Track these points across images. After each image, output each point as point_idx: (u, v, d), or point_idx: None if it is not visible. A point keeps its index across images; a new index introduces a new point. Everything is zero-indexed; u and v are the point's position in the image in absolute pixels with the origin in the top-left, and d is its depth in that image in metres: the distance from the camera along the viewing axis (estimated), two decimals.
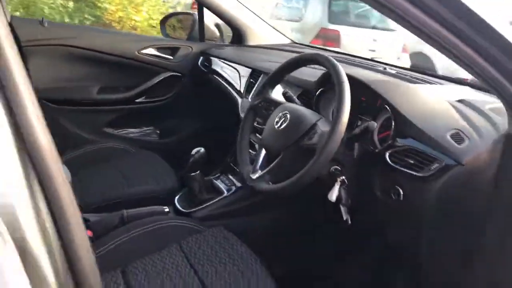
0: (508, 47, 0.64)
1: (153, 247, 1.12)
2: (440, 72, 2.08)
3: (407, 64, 4.74)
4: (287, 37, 2.24)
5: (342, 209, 1.17)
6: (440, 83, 1.39)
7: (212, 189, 1.65)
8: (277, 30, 2.22)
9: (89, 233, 1.22)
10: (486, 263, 0.84)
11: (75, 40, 1.95)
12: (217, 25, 2.29)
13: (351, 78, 1.06)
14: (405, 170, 1.02)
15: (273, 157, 1.14)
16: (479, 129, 1.01)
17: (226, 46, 2.20)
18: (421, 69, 1.61)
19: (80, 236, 0.49)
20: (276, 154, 1.12)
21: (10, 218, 0.43)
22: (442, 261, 0.96)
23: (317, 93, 1.30)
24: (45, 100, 1.91)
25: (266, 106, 1.30)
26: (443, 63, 2.64)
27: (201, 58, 2.13)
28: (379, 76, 1.36)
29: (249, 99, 1.66)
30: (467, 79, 1.38)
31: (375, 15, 5.64)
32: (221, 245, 1.15)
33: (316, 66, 1.32)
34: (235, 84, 1.81)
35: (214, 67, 2.04)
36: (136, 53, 2.05)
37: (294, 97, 1.29)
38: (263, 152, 1.22)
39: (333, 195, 1.09)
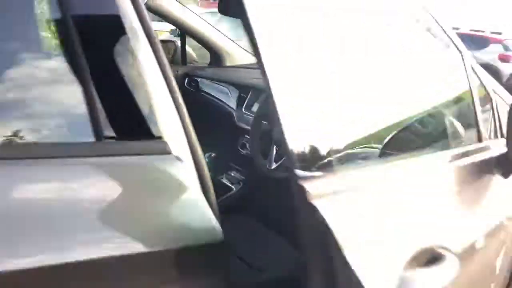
0: None
1: None
2: None
3: None
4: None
5: None
6: None
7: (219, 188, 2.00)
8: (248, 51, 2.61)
9: None
10: None
11: None
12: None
13: None
14: None
15: None
16: None
17: (208, 67, 2.55)
18: None
19: None
20: None
21: None
22: None
23: None
24: None
25: None
26: None
27: (187, 79, 2.46)
28: None
29: (243, 110, 2.02)
30: None
31: None
32: None
33: None
34: (226, 99, 2.17)
35: (201, 86, 2.38)
36: None
37: None
38: (275, 147, 1.59)
39: None
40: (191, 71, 2.49)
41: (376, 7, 1.19)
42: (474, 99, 1.34)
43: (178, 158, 0.80)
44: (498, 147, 1.34)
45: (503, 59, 11.75)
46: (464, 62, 1.34)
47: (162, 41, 3.22)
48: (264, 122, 1.67)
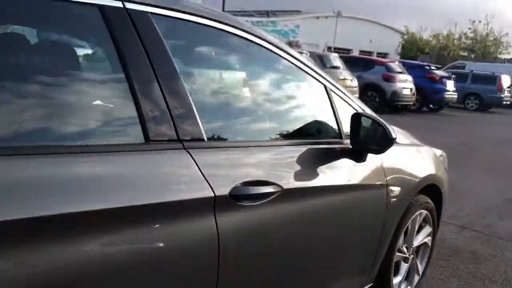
0: None
1: None
2: None
3: None
4: None
5: None
6: None
7: None
8: None
9: None
10: None
11: None
12: None
13: None
14: None
15: None
16: None
17: None
18: None
19: None
20: None
21: None
22: None
23: None
24: None
25: None
26: None
27: None
28: None
29: None
30: None
31: None
32: None
33: None
34: None
35: None
36: None
37: None
38: None
39: None
40: None
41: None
42: (335, 112, 1.97)
43: None
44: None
45: (386, 79, 13.32)
46: (326, 88, 1.96)
47: None
48: None
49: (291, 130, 1.87)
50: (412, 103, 14.16)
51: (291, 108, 1.94)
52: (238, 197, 1.39)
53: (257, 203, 1.45)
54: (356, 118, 1.88)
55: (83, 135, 1.19)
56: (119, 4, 1.29)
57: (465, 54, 41.80)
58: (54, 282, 1.00)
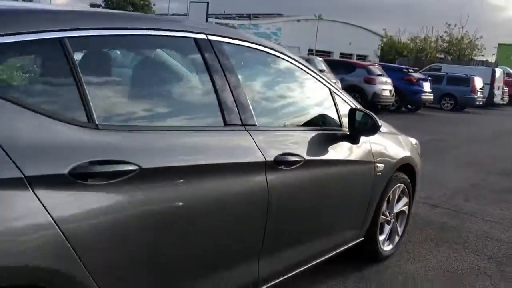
0: None
1: None
2: None
3: None
4: None
5: None
6: None
7: None
8: None
9: None
10: None
11: None
12: None
13: None
14: None
15: None
16: None
17: None
18: None
19: None
20: None
21: None
22: None
23: None
24: None
25: None
26: None
27: None
28: None
29: None
30: None
31: None
32: None
33: None
34: None
35: None
36: None
37: None
38: None
39: None
40: None
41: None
42: (337, 108, 2.70)
43: None
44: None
45: (367, 81, 14.19)
46: (330, 91, 2.70)
47: None
48: None
49: (306, 120, 2.60)
50: (391, 103, 15.06)
51: (306, 104, 2.68)
52: (279, 163, 2.11)
53: (289, 168, 2.17)
54: (352, 111, 2.62)
55: (191, 120, 1.92)
56: (204, 37, 2.00)
57: (442, 56, 43.32)
58: (179, 208, 1.71)
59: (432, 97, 16.59)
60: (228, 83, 2.01)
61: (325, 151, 2.48)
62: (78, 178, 1.40)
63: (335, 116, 2.68)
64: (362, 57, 52.45)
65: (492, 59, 41.40)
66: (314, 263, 2.57)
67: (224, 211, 1.89)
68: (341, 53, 56.43)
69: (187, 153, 1.77)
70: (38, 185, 1.31)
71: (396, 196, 3.29)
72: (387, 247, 3.30)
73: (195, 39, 1.97)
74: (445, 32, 44.29)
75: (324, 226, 2.61)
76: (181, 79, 2.10)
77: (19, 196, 1.27)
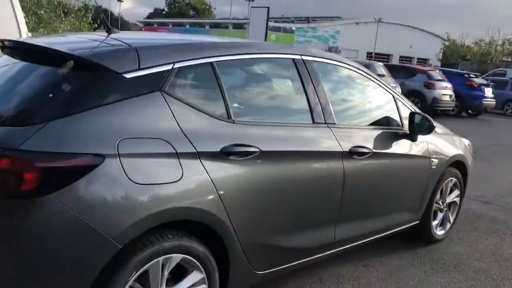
0: None
1: None
2: None
3: None
4: None
5: None
6: None
7: None
8: None
9: None
10: None
11: None
12: None
13: None
14: None
15: None
16: None
17: None
18: None
19: None
20: None
21: None
22: None
23: None
24: None
25: None
26: None
27: None
28: None
29: None
30: None
31: None
32: None
33: None
34: None
35: None
36: None
37: None
38: None
39: None
40: None
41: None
42: (399, 111, 3.31)
43: None
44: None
45: (427, 86, 14.39)
46: (394, 97, 3.32)
47: None
48: None
49: (374, 121, 3.24)
50: (451, 108, 15.14)
51: (374, 108, 3.32)
52: (352, 153, 2.76)
53: (360, 157, 2.82)
54: (411, 114, 3.23)
55: (290, 118, 2.63)
56: (299, 57, 2.70)
57: (509, 59, 41.74)
58: (288, 181, 2.41)
59: (494, 102, 16.43)
60: (316, 91, 2.69)
61: (389, 146, 3.10)
62: (224, 155, 2.13)
63: (397, 118, 3.30)
64: (423, 61, 51.28)
65: None
66: (377, 236, 3.19)
67: (313, 185, 2.57)
68: (401, 56, 55.53)
69: (288, 142, 2.47)
70: (202, 157, 2.05)
71: (449, 188, 3.84)
72: (439, 232, 3.85)
73: (293, 59, 2.67)
74: None
75: (386, 207, 3.22)
76: (283, 88, 2.81)
77: (193, 163, 2.03)
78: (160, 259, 1.92)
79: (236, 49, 2.48)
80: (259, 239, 2.35)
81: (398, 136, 3.22)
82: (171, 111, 2.02)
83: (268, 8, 27.39)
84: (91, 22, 11.26)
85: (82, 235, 1.69)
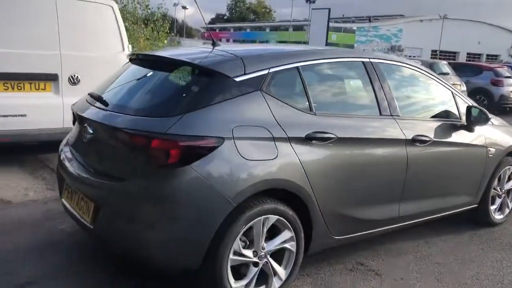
0: None
1: None
2: None
3: None
4: None
5: None
6: None
7: None
8: None
9: None
10: None
11: None
12: None
13: None
14: None
15: None
16: None
17: None
18: None
19: None
20: None
21: None
22: None
23: None
24: None
25: None
26: None
27: None
28: None
29: None
30: None
31: None
32: None
33: None
34: None
35: None
36: None
37: None
38: None
39: None
40: None
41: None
42: (457, 105, 3.73)
43: None
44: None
45: (494, 83, 14.18)
46: (452, 93, 3.75)
47: None
48: None
49: (434, 114, 3.69)
50: None
51: (434, 103, 3.77)
52: (414, 141, 3.24)
53: (422, 145, 3.29)
54: (468, 108, 3.65)
55: (361, 111, 3.17)
56: (368, 60, 3.23)
57: None
58: (360, 164, 2.94)
59: None
60: (382, 88, 3.20)
61: (448, 135, 3.53)
62: (308, 140, 2.71)
63: (455, 111, 3.72)
64: (493, 57, 49.11)
65: None
66: (437, 215, 3.64)
67: (380, 166, 3.08)
68: (468, 53, 53.36)
69: (359, 130, 2.99)
70: (292, 141, 2.63)
71: (507, 176, 4.18)
72: (497, 216, 4.20)
73: (362, 61, 3.20)
74: None
75: (445, 189, 3.65)
76: (355, 86, 3.35)
77: (285, 145, 2.60)
78: (262, 218, 2.52)
79: (317, 55, 3.06)
80: (336, 210, 2.90)
81: (456, 127, 3.64)
82: (268, 105, 2.62)
83: (329, 9, 27.69)
84: (168, 31, 12.28)
85: (209, 195, 2.33)
